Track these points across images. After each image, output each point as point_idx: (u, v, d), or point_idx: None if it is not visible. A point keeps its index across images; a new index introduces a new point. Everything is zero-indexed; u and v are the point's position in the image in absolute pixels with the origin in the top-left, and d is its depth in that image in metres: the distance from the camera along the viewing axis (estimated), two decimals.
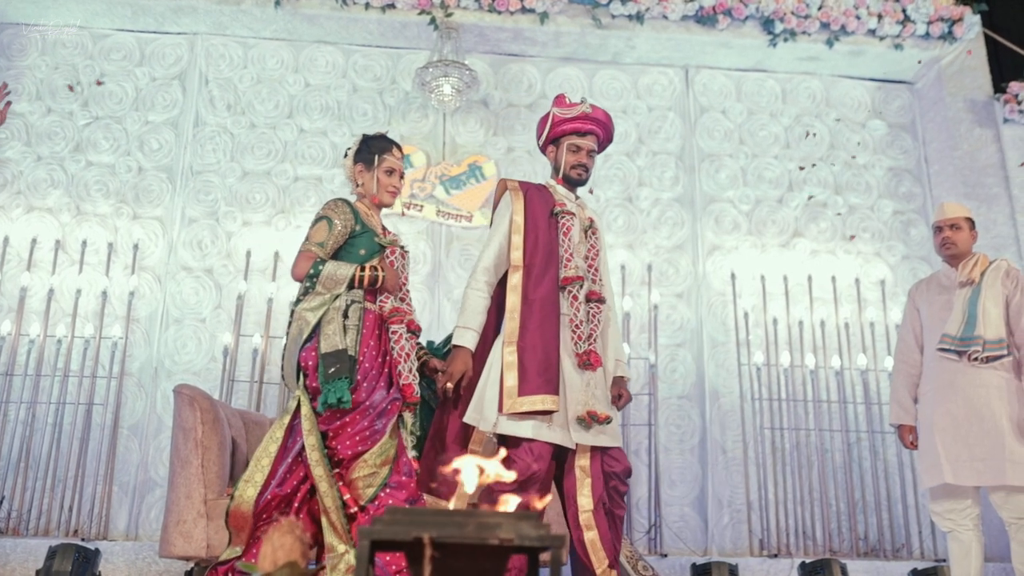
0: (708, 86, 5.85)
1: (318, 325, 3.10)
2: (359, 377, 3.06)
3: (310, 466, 3.03)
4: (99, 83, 5.41)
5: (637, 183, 5.64)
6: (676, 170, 5.68)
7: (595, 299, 3.27)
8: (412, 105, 5.59)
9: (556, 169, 3.41)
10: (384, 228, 3.40)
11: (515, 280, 3.20)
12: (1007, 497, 3.52)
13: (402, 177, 3.42)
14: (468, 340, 3.18)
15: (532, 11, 5.40)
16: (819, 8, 5.53)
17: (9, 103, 3.86)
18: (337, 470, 3.04)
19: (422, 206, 5.39)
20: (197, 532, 3.38)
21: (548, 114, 3.40)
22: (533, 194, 3.33)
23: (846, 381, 5.29)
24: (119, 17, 5.44)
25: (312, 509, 3.12)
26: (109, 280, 5.04)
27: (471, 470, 1.53)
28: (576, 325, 3.18)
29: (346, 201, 3.31)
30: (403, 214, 5.33)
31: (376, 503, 3.00)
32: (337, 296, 3.13)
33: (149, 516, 4.76)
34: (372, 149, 3.36)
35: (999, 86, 5.71)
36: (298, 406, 3.12)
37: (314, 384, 3.07)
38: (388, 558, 2.93)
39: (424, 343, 3.53)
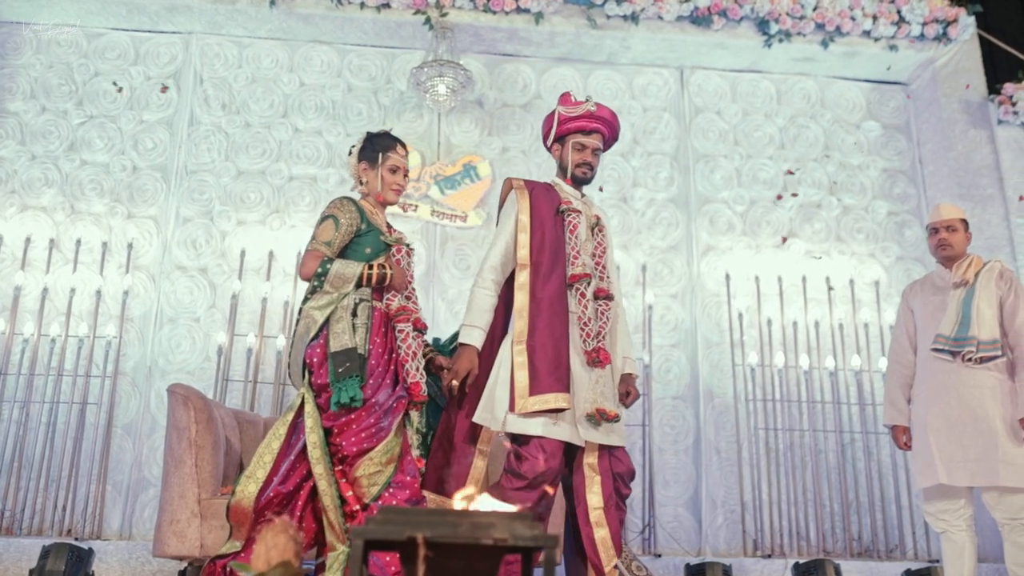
0: (703, 87, 5.86)
1: (326, 323, 3.10)
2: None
3: (311, 463, 3.03)
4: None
5: (632, 183, 5.64)
6: (671, 171, 5.69)
7: (603, 296, 3.28)
8: (407, 105, 5.59)
9: (562, 167, 3.42)
10: (389, 226, 3.39)
11: (523, 278, 3.21)
12: (1000, 498, 3.53)
13: (406, 175, 3.40)
14: (475, 338, 3.19)
15: (527, 11, 5.40)
16: (814, 9, 5.54)
17: None
18: (340, 467, 3.04)
19: (417, 206, 5.39)
20: (191, 532, 3.37)
21: (554, 112, 3.41)
22: (539, 192, 3.34)
23: (840, 382, 5.30)
24: (114, 16, 5.43)
25: (316, 507, 3.12)
26: (103, 279, 5.03)
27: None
28: (584, 323, 3.19)
29: (351, 199, 3.30)
30: (404, 211, 5.32)
31: (380, 502, 2.99)
32: (345, 295, 3.13)
33: (143, 515, 4.74)
34: (376, 147, 3.35)
35: (994, 87, 5.72)
36: (302, 403, 3.12)
37: (319, 381, 3.07)
38: (388, 558, 2.92)
39: (431, 340, 3.53)
